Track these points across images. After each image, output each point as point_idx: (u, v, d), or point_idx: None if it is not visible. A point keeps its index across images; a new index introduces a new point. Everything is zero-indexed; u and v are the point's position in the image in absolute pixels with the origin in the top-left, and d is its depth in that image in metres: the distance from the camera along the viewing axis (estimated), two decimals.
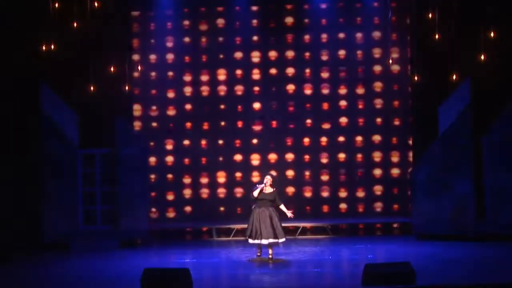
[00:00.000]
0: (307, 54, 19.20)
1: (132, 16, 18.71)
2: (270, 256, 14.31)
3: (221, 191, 19.18)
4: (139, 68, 18.76)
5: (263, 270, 13.38)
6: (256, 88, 19.22)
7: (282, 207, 14.43)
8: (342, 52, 19.15)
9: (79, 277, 13.01)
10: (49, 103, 16.90)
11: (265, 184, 14.40)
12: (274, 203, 14.40)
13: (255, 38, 19.23)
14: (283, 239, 14.26)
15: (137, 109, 19.15)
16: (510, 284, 11.05)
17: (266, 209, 14.28)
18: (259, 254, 14.60)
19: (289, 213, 14.36)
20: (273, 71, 19.22)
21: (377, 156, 19.11)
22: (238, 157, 19.19)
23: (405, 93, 19.03)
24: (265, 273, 13.01)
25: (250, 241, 14.34)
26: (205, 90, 19.26)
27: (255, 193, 14.33)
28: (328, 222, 18.44)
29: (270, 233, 14.10)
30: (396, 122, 19.13)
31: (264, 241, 14.13)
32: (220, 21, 19.21)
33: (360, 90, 19.15)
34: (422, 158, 16.99)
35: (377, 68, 19.08)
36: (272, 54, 19.23)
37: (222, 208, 19.14)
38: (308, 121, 19.19)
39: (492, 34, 15.87)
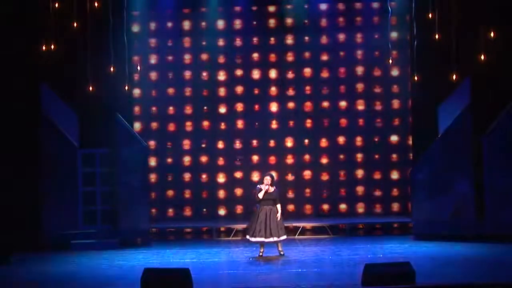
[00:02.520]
0: (307, 54, 19.20)
1: (133, 16, 18.69)
2: (281, 253, 14.65)
3: (221, 191, 19.16)
4: (139, 68, 18.73)
5: (263, 270, 13.37)
6: (256, 88, 19.22)
7: (279, 207, 14.62)
8: (342, 53, 19.14)
9: (79, 277, 13.00)
10: (49, 103, 16.89)
11: (267, 184, 14.50)
12: (275, 202, 14.60)
13: (255, 39, 19.24)
14: (286, 236, 14.70)
15: (137, 109, 19.14)
16: (510, 284, 11.05)
17: (271, 208, 14.49)
18: (261, 254, 14.65)
19: (279, 215, 14.57)
20: (273, 71, 19.21)
21: (377, 156, 19.09)
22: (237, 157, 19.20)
23: (405, 93, 19.01)
24: (265, 273, 13.00)
25: (253, 239, 14.47)
26: (205, 90, 19.26)
27: (260, 195, 14.47)
28: (328, 222, 18.44)
29: (278, 231, 14.41)
30: (396, 122, 19.11)
31: (274, 239, 14.44)
32: (220, 22, 19.21)
33: (359, 91, 19.13)
34: (422, 158, 16.98)
35: (377, 68, 19.06)
36: (272, 54, 19.24)
37: (222, 208, 19.13)
38: (308, 121, 19.18)
39: (492, 34, 15.86)
